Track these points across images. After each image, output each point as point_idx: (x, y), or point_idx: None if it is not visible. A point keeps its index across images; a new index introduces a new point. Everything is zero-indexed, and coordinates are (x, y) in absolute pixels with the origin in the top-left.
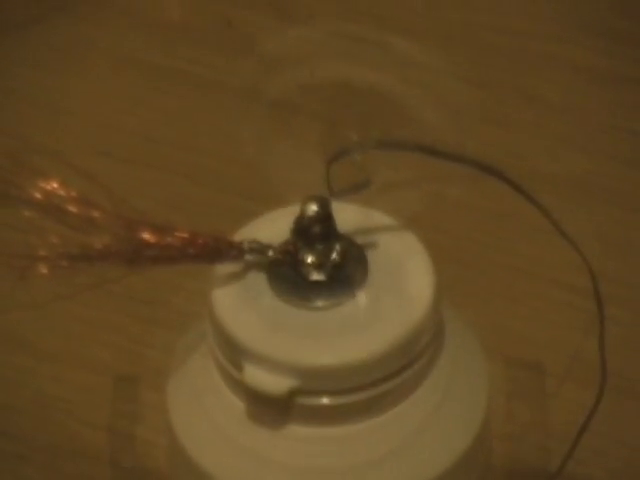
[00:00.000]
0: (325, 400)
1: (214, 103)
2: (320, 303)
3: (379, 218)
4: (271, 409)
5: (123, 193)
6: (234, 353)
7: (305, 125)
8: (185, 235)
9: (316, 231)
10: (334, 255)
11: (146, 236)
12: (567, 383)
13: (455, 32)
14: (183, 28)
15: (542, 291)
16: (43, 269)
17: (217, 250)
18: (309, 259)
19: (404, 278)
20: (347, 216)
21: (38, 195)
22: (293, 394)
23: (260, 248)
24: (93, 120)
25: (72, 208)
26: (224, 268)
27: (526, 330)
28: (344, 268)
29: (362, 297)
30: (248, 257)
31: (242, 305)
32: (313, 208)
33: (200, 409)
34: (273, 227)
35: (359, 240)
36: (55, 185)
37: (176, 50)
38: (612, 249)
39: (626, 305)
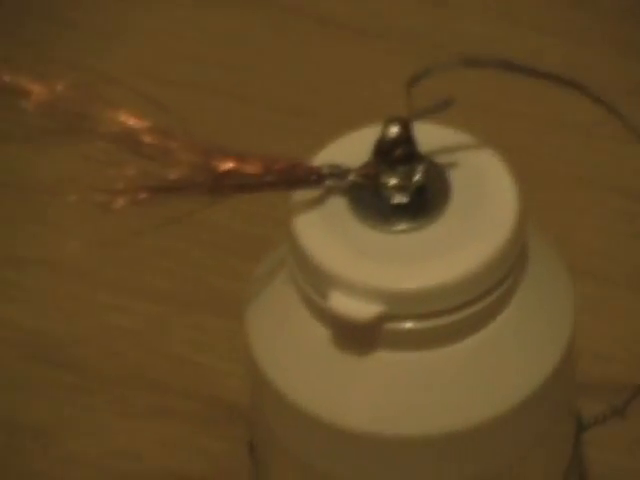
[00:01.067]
0: (411, 324)
1: (262, 21)
2: (403, 226)
3: (461, 138)
4: (357, 335)
5: (175, 119)
6: (318, 280)
7: (353, 40)
8: (263, 162)
9: (397, 153)
10: (416, 177)
11: (223, 164)
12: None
13: None
14: None
15: (607, 200)
16: (123, 202)
17: (296, 176)
18: (391, 182)
19: (488, 200)
20: (429, 136)
21: (112, 127)
22: (379, 319)
23: (340, 172)
24: (147, 46)
25: (147, 139)
26: (303, 194)
27: (593, 242)
28: (427, 190)
29: (445, 220)
30: (328, 182)
31: (324, 231)
32: (394, 130)
33: (283, 338)
34: (352, 150)
35: (441, 161)
36: (128, 116)
37: None
38: None
39: None
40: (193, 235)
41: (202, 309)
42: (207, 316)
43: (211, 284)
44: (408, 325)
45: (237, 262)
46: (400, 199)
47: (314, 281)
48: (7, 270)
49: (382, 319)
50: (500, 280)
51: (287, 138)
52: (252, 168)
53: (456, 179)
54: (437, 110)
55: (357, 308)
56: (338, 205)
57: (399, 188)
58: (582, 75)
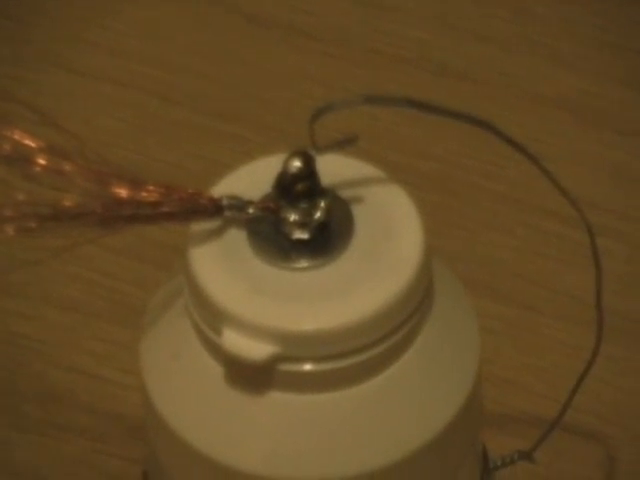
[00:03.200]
0: (307, 366)
1: (189, 16)
2: (303, 263)
3: (367, 170)
4: (251, 375)
5: (91, 113)
6: (212, 316)
7: (283, 40)
8: (160, 190)
9: (299, 188)
10: (318, 213)
11: (119, 191)
12: (558, 322)
13: None
14: None
15: (532, 220)
16: (10, 230)
17: (194, 207)
18: (292, 217)
19: (392, 236)
20: (334, 168)
21: (4, 146)
22: (274, 360)
23: (240, 205)
24: (61, 34)
25: (40, 160)
26: (201, 225)
27: (515, 263)
28: (329, 226)
29: (347, 257)
30: (227, 214)
31: (220, 265)
32: (296, 164)
33: (176, 371)
34: (253, 180)
35: (345, 195)
36: (22, 134)
37: None
38: (603, 175)
39: (621, 237)
40: (105, 241)
41: (109, 319)
42: (114, 327)
43: (120, 293)
44: (304, 367)
45: (149, 271)
46: (301, 235)
47: (208, 316)
48: None
49: (276, 360)
50: (403, 321)
51: (210, 142)
52: (149, 196)
53: (360, 214)
54: (341, 146)
55: (250, 347)
56: (237, 238)
57: (300, 224)
58: (515, 83)
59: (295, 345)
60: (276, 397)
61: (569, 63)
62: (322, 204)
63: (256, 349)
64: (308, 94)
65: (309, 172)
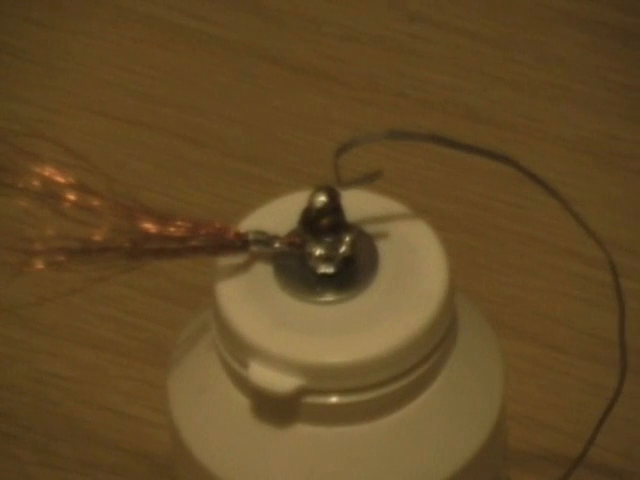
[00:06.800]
0: (333, 399)
1: (217, 61)
2: (328, 297)
3: (391, 206)
4: (277, 407)
5: (121, 156)
6: (239, 349)
7: (311, 85)
8: (188, 225)
9: (324, 223)
10: (343, 247)
11: (147, 226)
12: (582, 361)
13: None
14: None
15: (558, 262)
16: (39, 265)
17: (221, 241)
18: (317, 251)
19: (417, 271)
20: (359, 204)
21: (34, 182)
22: (300, 393)
23: (266, 239)
24: (91, 78)
25: (70, 196)
26: (228, 259)
27: (540, 304)
28: (354, 261)
29: (372, 291)
30: (253, 248)
31: (247, 299)
32: (321, 199)
33: (203, 404)
34: (279, 216)
35: (370, 230)
36: (52, 171)
37: (178, 4)
38: (627, 217)
39: None
40: (135, 281)
41: (139, 358)
42: (143, 366)
43: (150, 332)
44: (329, 400)
45: (179, 311)
46: (326, 269)
47: (234, 350)
48: None
49: (302, 393)
50: (427, 354)
51: (237, 184)
52: (176, 231)
53: (385, 249)
54: (366, 181)
55: (276, 380)
56: (263, 273)
57: (325, 258)
58: (540, 127)
59: (320, 378)
60: (302, 429)
61: (593, 107)
62: (347, 239)
63: (282, 382)
64: (335, 138)
65: (334, 207)
